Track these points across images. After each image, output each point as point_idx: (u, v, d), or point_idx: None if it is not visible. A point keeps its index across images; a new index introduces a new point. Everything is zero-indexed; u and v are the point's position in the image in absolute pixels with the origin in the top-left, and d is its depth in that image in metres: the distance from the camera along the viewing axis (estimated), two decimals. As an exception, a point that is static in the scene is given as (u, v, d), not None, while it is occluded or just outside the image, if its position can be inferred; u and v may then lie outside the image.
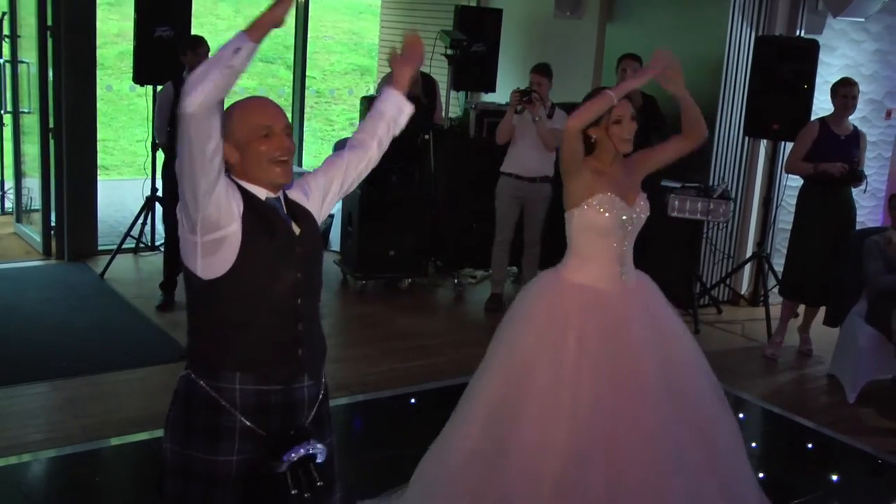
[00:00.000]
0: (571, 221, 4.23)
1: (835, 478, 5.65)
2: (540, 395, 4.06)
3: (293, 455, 2.86)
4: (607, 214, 4.13)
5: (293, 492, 2.85)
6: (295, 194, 3.07)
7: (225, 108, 2.86)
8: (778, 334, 7.78)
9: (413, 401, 6.19)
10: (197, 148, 2.66)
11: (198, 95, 2.58)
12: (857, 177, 7.35)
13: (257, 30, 2.66)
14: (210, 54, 7.74)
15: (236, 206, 2.83)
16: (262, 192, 2.92)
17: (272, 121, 2.89)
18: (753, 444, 6.11)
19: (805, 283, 7.62)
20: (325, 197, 3.17)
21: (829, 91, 8.48)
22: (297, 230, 2.97)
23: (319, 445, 2.92)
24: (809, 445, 6.10)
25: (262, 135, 2.86)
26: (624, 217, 4.16)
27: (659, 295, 4.39)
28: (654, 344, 4.16)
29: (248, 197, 2.89)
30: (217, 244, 2.82)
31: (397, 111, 3.35)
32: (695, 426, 4.16)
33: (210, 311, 2.92)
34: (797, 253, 7.71)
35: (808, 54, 7.86)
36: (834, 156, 7.36)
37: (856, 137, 7.51)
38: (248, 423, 2.89)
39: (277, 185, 2.94)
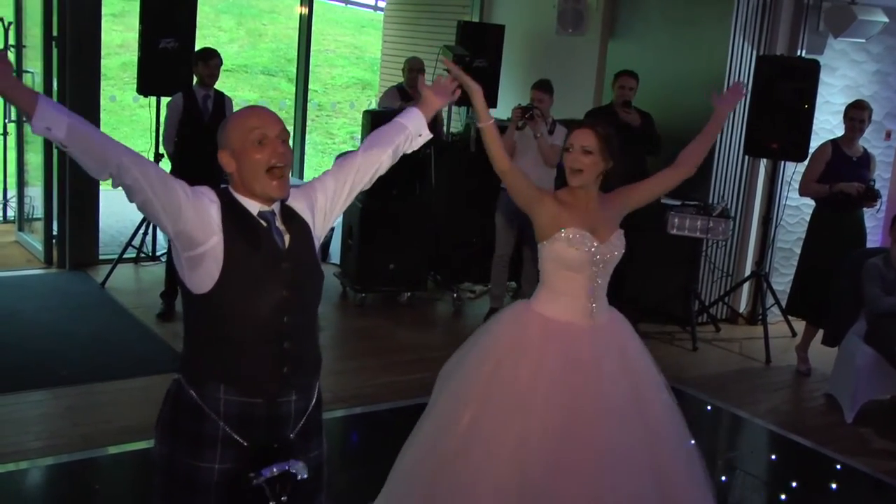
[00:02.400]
0: (542, 253, 4.14)
1: (832, 498, 5.66)
2: (489, 424, 3.99)
3: (273, 471, 2.86)
4: (575, 250, 4.03)
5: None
6: (297, 203, 3.05)
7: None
8: (802, 350, 7.83)
9: (411, 414, 6.19)
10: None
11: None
12: (874, 196, 7.41)
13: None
14: (221, 67, 7.81)
15: (214, 221, 2.83)
16: (255, 206, 2.92)
17: (266, 126, 2.88)
18: (750, 463, 6.13)
19: (812, 302, 7.66)
20: (333, 202, 3.15)
21: (829, 111, 8.57)
22: (285, 245, 2.94)
23: (299, 463, 2.90)
24: (806, 465, 6.11)
25: (256, 141, 2.86)
26: (595, 254, 4.05)
27: (630, 333, 4.29)
28: (618, 382, 4.05)
29: (233, 211, 2.88)
30: (198, 259, 2.83)
31: (417, 131, 3.43)
32: (651, 470, 4.04)
33: (197, 323, 2.95)
34: (807, 272, 7.76)
35: (808, 74, 7.90)
36: (847, 177, 7.43)
37: (867, 159, 7.61)
38: (230, 433, 2.89)
39: (272, 199, 2.93)
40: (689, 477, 4.21)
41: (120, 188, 2.76)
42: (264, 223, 2.92)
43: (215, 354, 2.90)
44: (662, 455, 4.09)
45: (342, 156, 8.82)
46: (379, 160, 3.28)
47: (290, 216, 3.00)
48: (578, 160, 4.02)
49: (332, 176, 3.18)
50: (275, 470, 2.86)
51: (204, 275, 2.84)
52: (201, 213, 2.82)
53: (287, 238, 2.96)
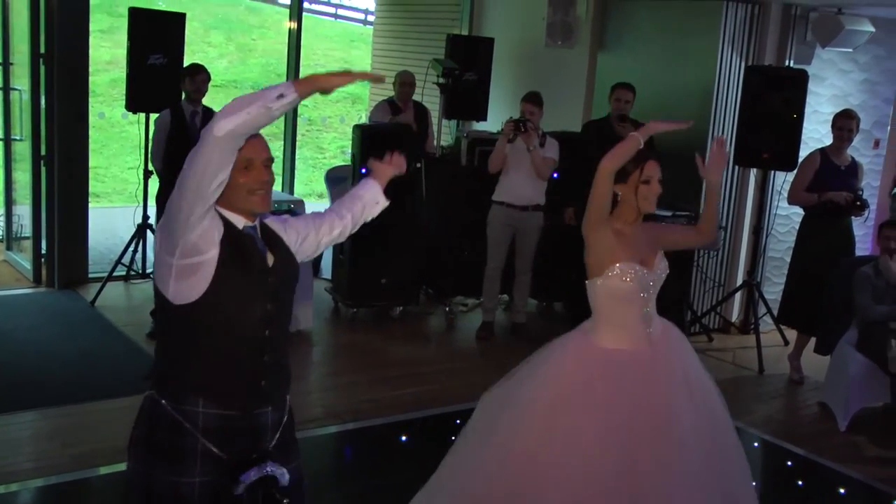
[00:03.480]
0: (594, 289, 4.15)
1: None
2: (554, 468, 3.94)
3: (251, 475, 2.88)
4: (630, 283, 4.08)
5: None
6: (274, 224, 3.13)
7: None
8: (795, 359, 7.84)
9: (404, 429, 6.18)
10: (211, 172, 2.73)
11: (229, 123, 2.66)
12: (862, 205, 7.43)
13: (306, 86, 2.73)
14: (208, 83, 7.83)
15: (217, 234, 2.87)
16: (239, 221, 2.95)
17: (254, 153, 2.91)
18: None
19: (804, 310, 7.67)
20: (300, 241, 3.21)
21: (817, 120, 8.59)
22: (270, 261, 3.00)
23: (281, 469, 2.93)
24: (801, 473, 6.10)
25: (243, 166, 2.88)
26: (646, 282, 4.12)
27: (686, 345, 4.35)
28: (683, 403, 4.07)
29: (227, 225, 2.92)
30: (192, 269, 2.84)
31: (373, 200, 3.58)
32: (720, 489, 4.06)
33: (178, 336, 2.95)
34: (797, 281, 7.77)
35: (797, 84, 7.91)
36: (836, 186, 7.47)
37: (854, 168, 7.63)
38: (209, 446, 2.90)
39: (255, 213, 2.98)
40: (747, 492, 4.25)
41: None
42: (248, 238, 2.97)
43: (193, 367, 2.92)
44: (729, 472, 4.14)
45: (333, 170, 8.77)
46: (342, 224, 3.42)
47: (269, 234, 3.07)
48: (658, 190, 4.16)
49: (305, 222, 3.28)
50: (253, 475, 2.88)
51: (193, 284, 2.85)
52: (212, 223, 2.86)
53: (269, 254, 3.02)
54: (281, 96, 2.67)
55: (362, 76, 2.86)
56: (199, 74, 7.76)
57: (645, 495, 3.88)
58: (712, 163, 4.33)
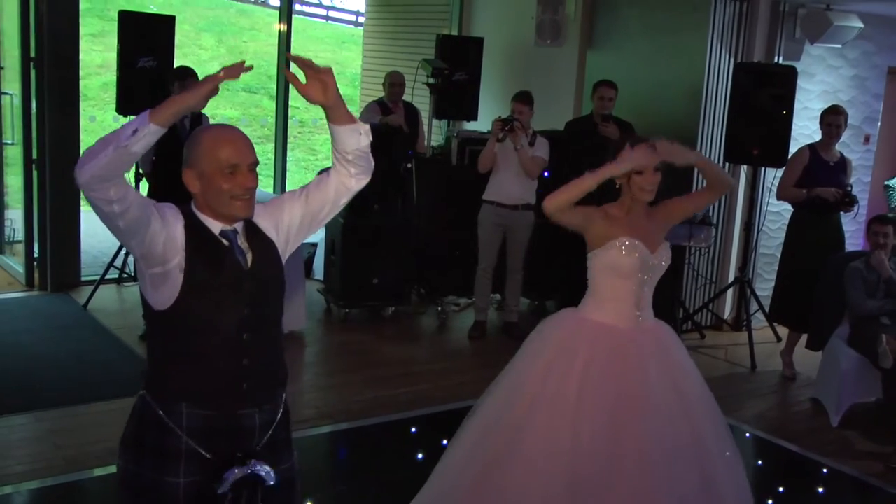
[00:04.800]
0: (593, 261, 4.24)
1: (819, 501, 5.66)
2: (541, 427, 4.06)
3: (235, 474, 2.88)
4: (628, 256, 4.15)
5: None
6: (263, 221, 3.05)
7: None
8: (787, 355, 7.87)
9: (397, 429, 6.19)
10: (100, 213, 2.69)
11: (88, 171, 2.57)
12: (851, 201, 7.45)
13: (163, 112, 2.66)
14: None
15: (179, 241, 2.84)
16: (216, 226, 2.93)
17: (240, 158, 2.87)
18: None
19: (794, 307, 7.69)
20: (301, 223, 3.13)
21: (807, 117, 8.61)
22: (248, 265, 2.95)
23: (266, 468, 2.93)
24: (794, 469, 6.12)
25: (227, 170, 2.85)
26: (646, 262, 4.18)
27: (675, 340, 4.39)
28: (664, 380, 4.15)
29: (196, 230, 2.89)
30: (163, 277, 2.85)
31: (356, 131, 3.08)
32: (698, 470, 4.11)
33: (159, 339, 2.97)
34: (787, 277, 7.80)
35: (786, 80, 7.93)
36: (825, 182, 7.48)
37: (843, 164, 7.65)
38: (194, 446, 2.91)
39: (237, 218, 2.94)
40: (733, 481, 4.26)
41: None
42: (226, 242, 2.93)
43: (176, 370, 2.92)
44: (708, 456, 4.16)
45: (324, 171, 8.76)
46: (341, 179, 3.14)
47: (253, 234, 3.02)
48: (655, 179, 4.18)
49: (304, 196, 3.13)
50: (236, 473, 2.88)
51: (166, 292, 2.85)
52: (168, 231, 2.83)
53: (249, 257, 2.97)
54: (135, 131, 2.59)
55: (226, 74, 2.76)
56: (189, 78, 7.76)
57: (624, 463, 3.97)
58: (667, 155, 4.17)
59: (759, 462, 6.29)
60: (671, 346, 4.34)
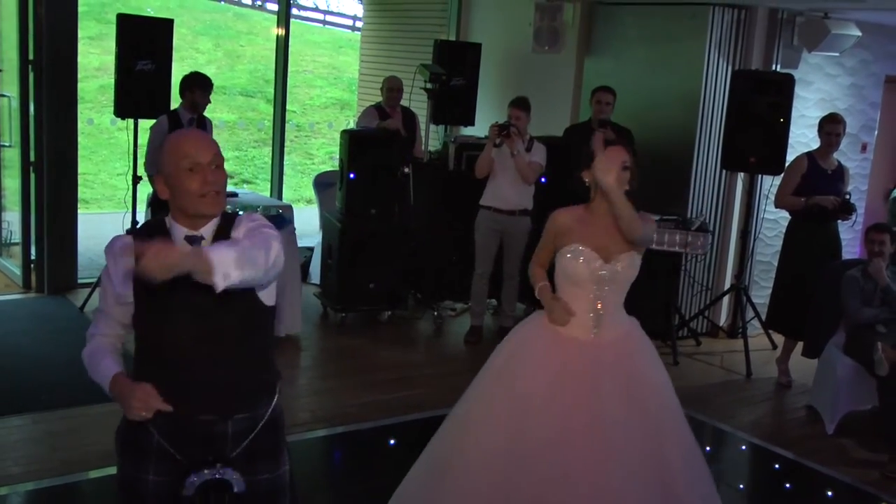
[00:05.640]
0: (556, 265, 4.28)
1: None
2: (482, 428, 4.14)
3: (200, 476, 2.89)
4: (578, 266, 4.15)
5: None
6: (241, 230, 2.96)
7: None
8: (783, 363, 7.86)
9: (392, 433, 6.19)
10: None
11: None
12: (849, 209, 7.46)
13: (114, 395, 2.96)
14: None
15: (130, 279, 2.91)
16: (182, 231, 2.92)
17: (200, 156, 2.86)
18: (733, 475, 6.14)
19: (791, 314, 7.70)
20: None
21: (804, 125, 8.63)
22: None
23: (234, 474, 2.92)
24: (789, 477, 6.12)
25: (187, 168, 2.84)
26: (601, 272, 4.14)
27: (643, 347, 4.35)
28: (615, 397, 4.10)
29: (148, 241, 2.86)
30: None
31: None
32: (658, 483, 4.07)
33: (135, 345, 3.04)
34: (784, 285, 7.80)
35: (783, 88, 7.94)
36: (822, 190, 7.49)
37: (841, 172, 7.66)
38: (165, 445, 2.94)
39: (207, 215, 2.92)
40: (697, 492, 4.24)
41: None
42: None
43: (145, 375, 2.95)
44: (668, 469, 4.13)
45: (321, 176, 8.78)
46: None
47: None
48: (623, 176, 4.11)
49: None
50: (203, 476, 2.89)
51: (130, 306, 2.99)
52: (120, 283, 2.94)
53: None
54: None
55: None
56: (209, 88, 7.90)
57: (568, 471, 3.98)
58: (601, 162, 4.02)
59: (755, 469, 6.30)
60: (633, 356, 4.28)
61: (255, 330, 3.03)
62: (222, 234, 2.94)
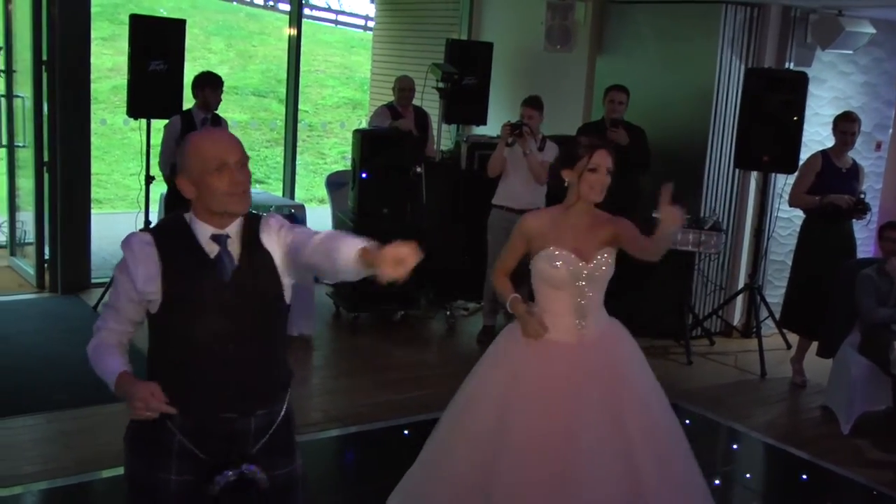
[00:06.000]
0: (532, 270, 4.26)
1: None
2: (461, 439, 4.18)
3: (228, 476, 2.90)
4: (557, 269, 4.11)
5: None
6: (267, 233, 3.00)
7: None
8: (797, 362, 7.83)
9: (406, 432, 6.18)
10: None
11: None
12: (864, 208, 7.42)
13: (119, 392, 2.94)
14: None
15: (155, 273, 2.89)
16: (207, 230, 2.93)
17: (225, 154, 2.88)
18: (748, 476, 6.13)
19: (805, 314, 7.67)
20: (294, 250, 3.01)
21: (818, 123, 8.59)
22: (230, 276, 2.92)
23: (259, 471, 2.93)
24: (804, 477, 6.10)
25: (216, 168, 2.86)
26: (577, 273, 4.12)
27: (627, 346, 4.32)
28: (599, 400, 4.08)
29: (175, 248, 2.91)
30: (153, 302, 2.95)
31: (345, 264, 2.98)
32: (635, 487, 4.05)
33: (152, 342, 3.00)
34: (798, 284, 7.78)
35: (797, 86, 7.91)
36: (837, 189, 7.45)
37: (856, 171, 7.62)
38: (188, 444, 2.93)
39: (234, 214, 2.94)
40: (685, 494, 4.21)
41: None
42: (216, 247, 2.93)
43: (165, 374, 2.94)
44: (650, 475, 4.09)
45: (333, 175, 8.74)
46: (315, 262, 2.94)
47: (250, 243, 2.98)
48: (606, 181, 4.10)
49: (292, 242, 3.01)
50: (229, 475, 2.89)
51: (153, 304, 2.93)
52: (141, 283, 2.90)
53: (238, 265, 2.94)
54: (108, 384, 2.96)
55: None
56: (221, 86, 7.90)
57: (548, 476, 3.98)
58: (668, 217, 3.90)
59: (770, 470, 6.28)
60: (619, 356, 4.27)
61: (275, 327, 3.08)
62: (248, 233, 2.98)
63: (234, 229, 2.96)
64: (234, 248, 2.95)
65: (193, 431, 2.93)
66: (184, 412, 2.90)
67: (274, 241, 3.01)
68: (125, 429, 3.07)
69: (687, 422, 6.20)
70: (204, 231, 2.93)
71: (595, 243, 4.16)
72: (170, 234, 2.93)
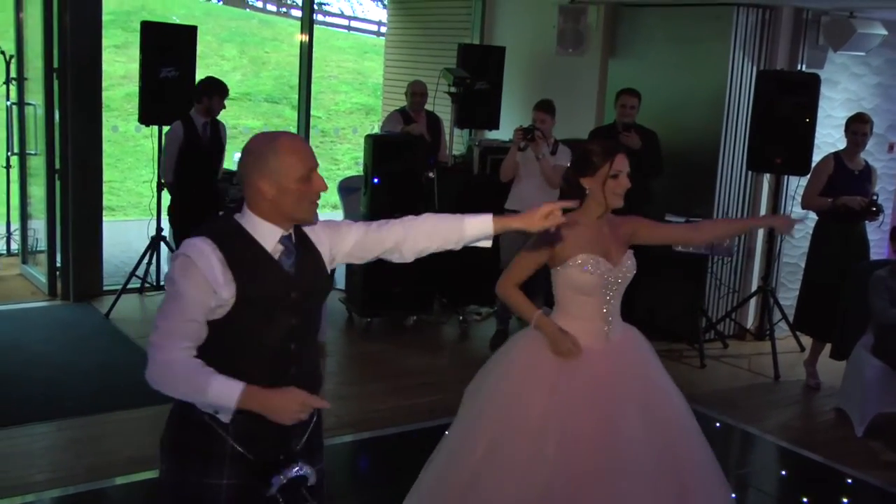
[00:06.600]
0: (556, 279, 4.20)
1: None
2: (505, 452, 4.01)
3: (283, 478, 2.91)
4: (591, 275, 4.08)
5: None
6: (317, 232, 3.11)
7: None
8: (811, 365, 7.79)
9: (418, 439, 6.16)
10: None
11: (159, 387, 2.87)
12: (877, 210, 7.39)
13: (250, 405, 2.82)
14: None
15: (222, 278, 2.87)
16: (275, 231, 2.95)
17: (312, 162, 2.96)
18: (762, 479, 6.10)
19: (818, 316, 7.64)
20: (350, 252, 3.19)
21: (830, 125, 8.56)
22: (293, 274, 2.99)
23: (308, 468, 2.95)
24: (818, 479, 6.07)
25: (304, 175, 2.92)
26: (608, 277, 4.10)
27: (646, 349, 4.32)
28: (636, 402, 4.07)
29: (237, 250, 2.91)
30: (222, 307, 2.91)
31: (477, 235, 3.40)
32: (677, 489, 4.04)
33: (209, 345, 2.94)
34: (811, 286, 7.75)
35: (809, 88, 7.88)
36: (850, 191, 7.42)
37: (868, 172, 7.59)
38: (239, 449, 2.94)
39: (307, 221, 3.03)
40: (710, 494, 4.20)
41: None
42: (281, 247, 2.98)
43: (230, 375, 2.91)
44: (684, 474, 4.09)
45: (346, 181, 8.75)
46: (396, 249, 3.26)
47: (302, 243, 3.06)
48: (627, 184, 4.11)
49: (365, 231, 3.19)
50: (290, 474, 2.92)
51: (220, 309, 2.90)
52: (217, 289, 2.86)
53: (297, 265, 3.01)
54: (216, 412, 2.89)
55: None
56: (227, 94, 7.90)
57: (589, 481, 3.91)
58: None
59: (783, 472, 6.25)
60: (643, 359, 4.27)
61: (318, 323, 3.21)
62: (299, 232, 3.06)
63: (292, 232, 3.04)
64: (292, 248, 3.02)
65: (245, 435, 2.94)
66: (243, 414, 2.89)
67: (321, 238, 3.11)
68: (164, 437, 3.05)
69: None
70: (270, 232, 2.96)
71: (618, 246, 4.18)
72: (229, 237, 2.93)
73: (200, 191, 7.92)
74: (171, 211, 8.14)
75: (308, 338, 3.10)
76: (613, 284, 4.13)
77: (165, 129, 8.29)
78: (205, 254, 2.86)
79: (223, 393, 2.79)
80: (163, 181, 8.34)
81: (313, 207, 3.00)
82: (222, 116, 8.25)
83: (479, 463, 4.04)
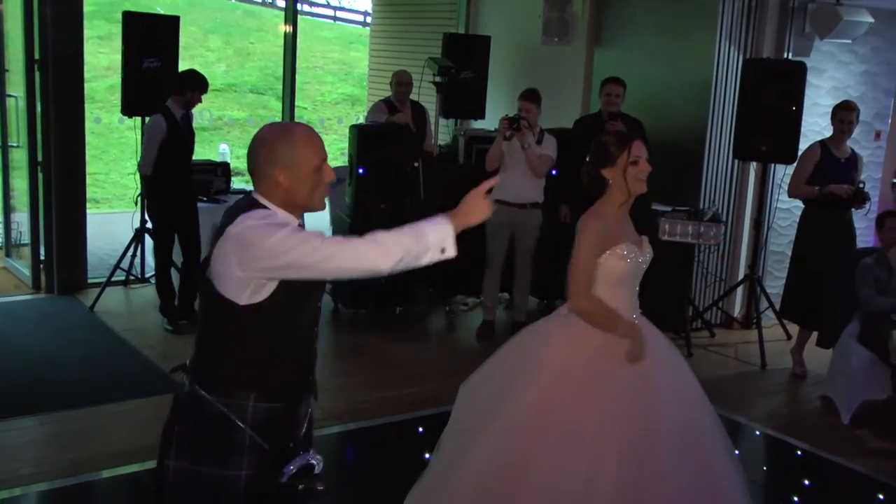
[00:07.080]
0: (598, 271, 4.12)
1: (831, 500, 5.62)
2: (557, 445, 3.90)
3: (293, 467, 2.96)
4: (629, 262, 4.10)
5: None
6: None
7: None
8: (797, 353, 7.81)
9: (404, 429, 6.16)
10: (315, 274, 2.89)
11: (393, 265, 3.06)
12: (863, 198, 7.40)
13: (459, 223, 3.09)
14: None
15: None
16: (291, 221, 2.99)
17: (325, 156, 3.06)
18: (749, 466, 6.10)
19: (805, 304, 7.64)
20: None
21: (817, 113, 8.56)
22: None
23: (317, 456, 3.03)
24: (804, 467, 6.07)
25: (319, 166, 3.00)
26: (640, 261, 4.14)
27: (658, 332, 4.34)
28: (669, 384, 4.10)
29: None
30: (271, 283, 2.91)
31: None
32: (701, 464, 4.05)
33: (237, 333, 2.95)
34: (798, 274, 7.75)
35: (795, 76, 7.87)
36: (836, 179, 7.43)
37: (854, 160, 7.59)
38: (257, 439, 2.96)
39: (315, 210, 3.09)
40: (729, 473, 4.21)
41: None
42: None
43: (252, 363, 2.97)
44: (707, 456, 4.11)
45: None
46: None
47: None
48: (648, 168, 4.15)
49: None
50: (300, 462, 2.98)
51: (263, 292, 2.90)
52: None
53: None
54: (443, 251, 3.07)
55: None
56: (207, 91, 7.86)
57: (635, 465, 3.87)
58: None
59: (770, 460, 6.26)
60: (663, 344, 4.29)
61: None
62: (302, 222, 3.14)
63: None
64: None
65: (262, 424, 2.97)
66: (270, 399, 2.97)
67: None
68: (175, 431, 2.99)
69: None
70: (287, 220, 2.99)
71: (636, 231, 4.24)
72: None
73: (179, 179, 7.84)
74: (150, 203, 8.06)
75: (316, 335, 3.23)
76: (639, 272, 4.18)
77: (148, 119, 8.22)
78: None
79: (435, 226, 3.03)
80: (141, 173, 8.26)
81: (324, 196, 3.08)
82: (204, 106, 8.19)
83: (519, 476, 3.90)
